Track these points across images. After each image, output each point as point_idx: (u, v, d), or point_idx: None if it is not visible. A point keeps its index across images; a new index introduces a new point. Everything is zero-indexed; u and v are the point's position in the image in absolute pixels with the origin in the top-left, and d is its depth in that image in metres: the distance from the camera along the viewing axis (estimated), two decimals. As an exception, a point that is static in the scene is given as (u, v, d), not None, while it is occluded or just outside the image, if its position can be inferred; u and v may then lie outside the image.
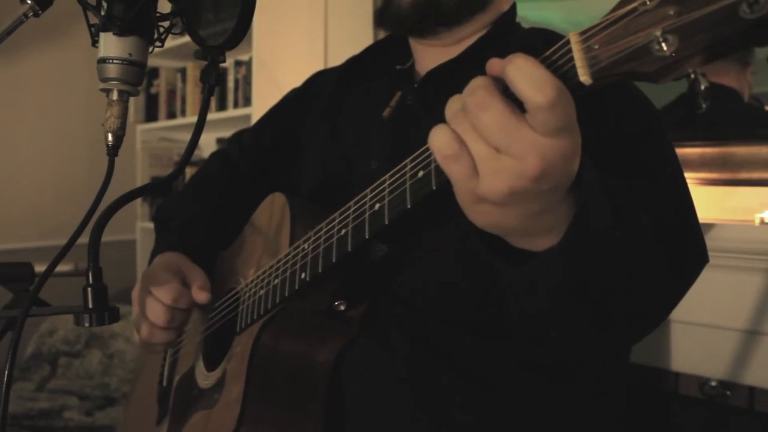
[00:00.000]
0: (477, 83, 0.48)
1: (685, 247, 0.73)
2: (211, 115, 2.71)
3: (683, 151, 1.57)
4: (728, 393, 1.40)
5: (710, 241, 1.41)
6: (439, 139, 0.50)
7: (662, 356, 1.50)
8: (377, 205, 0.67)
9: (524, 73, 0.46)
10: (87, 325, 0.59)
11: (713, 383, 1.42)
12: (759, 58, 1.66)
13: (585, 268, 0.58)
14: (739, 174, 1.54)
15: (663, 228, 0.69)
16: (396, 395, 0.82)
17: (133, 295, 0.97)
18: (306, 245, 0.80)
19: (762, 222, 1.43)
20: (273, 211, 0.94)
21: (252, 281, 0.91)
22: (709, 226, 1.42)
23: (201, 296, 0.92)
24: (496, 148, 0.48)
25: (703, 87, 0.44)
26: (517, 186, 0.48)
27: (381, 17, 0.93)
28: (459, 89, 0.51)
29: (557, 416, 0.83)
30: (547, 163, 0.47)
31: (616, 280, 0.61)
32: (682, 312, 1.45)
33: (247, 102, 2.65)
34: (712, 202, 1.58)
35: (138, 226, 3.16)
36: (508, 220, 0.53)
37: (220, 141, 3.01)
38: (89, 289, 0.60)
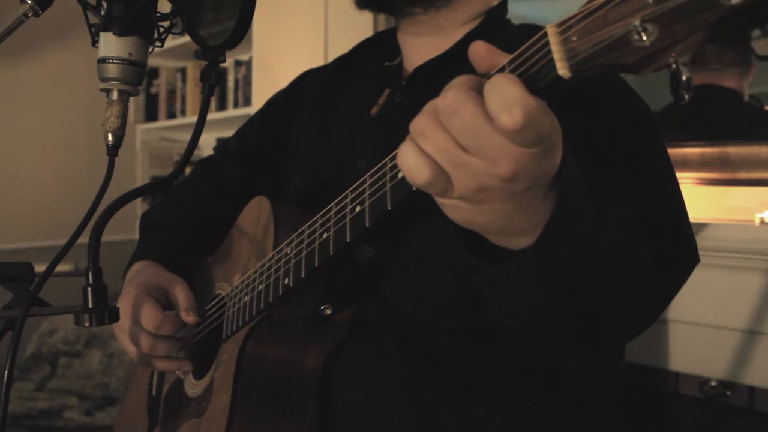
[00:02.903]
0: (451, 83, 0.48)
1: (674, 248, 0.72)
2: (211, 115, 2.71)
3: (683, 151, 1.57)
4: (728, 393, 1.40)
5: (710, 241, 1.42)
6: (410, 165, 0.49)
7: (662, 356, 1.50)
8: (357, 208, 0.65)
9: (498, 89, 0.44)
10: (87, 324, 0.59)
11: (713, 383, 1.42)
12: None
13: (563, 270, 0.57)
14: (738, 174, 1.54)
15: (651, 227, 0.68)
16: (387, 401, 0.82)
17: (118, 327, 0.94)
18: (289, 249, 0.79)
19: (762, 222, 1.43)
20: (258, 214, 0.93)
21: (237, 287, 0.90)
22: (709, 226, 1.41)
23: (189, 318, 0.92)
24: (465, 150, 0.47)
25: (684, 77, 0.43)
26: (487, 184, 0.48)
27: None
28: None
29: (548, 423, 0.82)
30: (518, 167, 0.47)
31: (598, 283, 0.60)
32: (682, 312, 1.45)
33: (247, 102, 2.65)
34: (711, 202, 1.58)
35: (138, 226, 3.15)
36: (482, 217, 0.52)
37: (220, 141, 3.01)
38: (89, 289, 0.60)
